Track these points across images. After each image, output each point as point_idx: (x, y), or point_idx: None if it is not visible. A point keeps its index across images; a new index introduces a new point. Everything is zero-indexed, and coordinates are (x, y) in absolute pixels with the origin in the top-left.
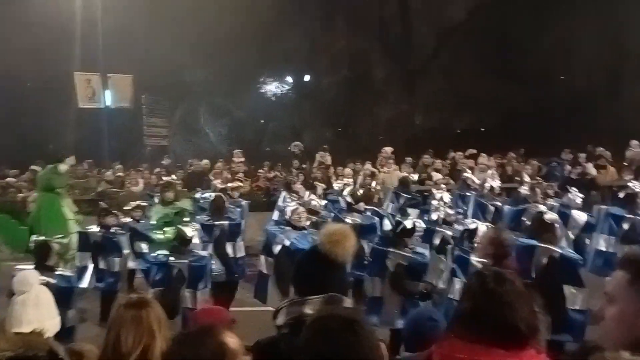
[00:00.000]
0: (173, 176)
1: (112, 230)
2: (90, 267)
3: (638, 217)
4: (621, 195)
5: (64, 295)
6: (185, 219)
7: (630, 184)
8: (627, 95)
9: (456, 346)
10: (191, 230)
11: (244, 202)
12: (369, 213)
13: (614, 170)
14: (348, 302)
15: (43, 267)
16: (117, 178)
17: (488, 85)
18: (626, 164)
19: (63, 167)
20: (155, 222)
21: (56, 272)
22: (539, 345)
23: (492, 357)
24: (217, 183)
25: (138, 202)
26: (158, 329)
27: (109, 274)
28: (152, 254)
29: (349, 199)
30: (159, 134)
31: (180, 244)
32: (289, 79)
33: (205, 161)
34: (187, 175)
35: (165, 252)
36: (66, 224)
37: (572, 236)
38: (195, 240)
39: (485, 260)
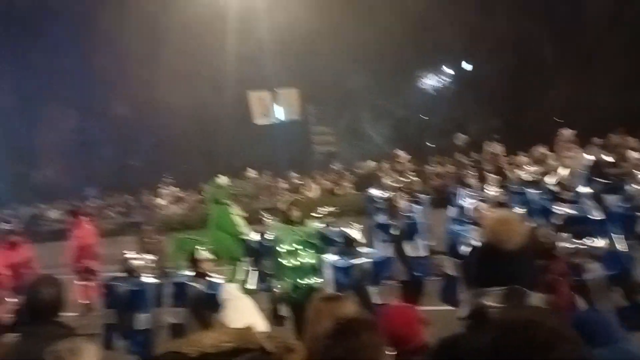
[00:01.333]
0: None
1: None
2: (253, 270)
3: None
4: None
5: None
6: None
7: None
8: None
9: None
10: (356, 232)
11: (424, 198)
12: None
13: None
14: (535, 296)
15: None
16: (294, 185)
17: None
18: None
19: (220, 180)
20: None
21: (208, 279)
22: None
23: None
24: (389, 182)
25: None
26: None
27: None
28: (333, 259)
29: (554, 188)
30: (327, 141)
31: (348, 244)
32: (448, 71)
33: (372, 163)
34: (357, 178)
35: (337, 257)
36: (236, 231)
37: None
38: (362, 240)
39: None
